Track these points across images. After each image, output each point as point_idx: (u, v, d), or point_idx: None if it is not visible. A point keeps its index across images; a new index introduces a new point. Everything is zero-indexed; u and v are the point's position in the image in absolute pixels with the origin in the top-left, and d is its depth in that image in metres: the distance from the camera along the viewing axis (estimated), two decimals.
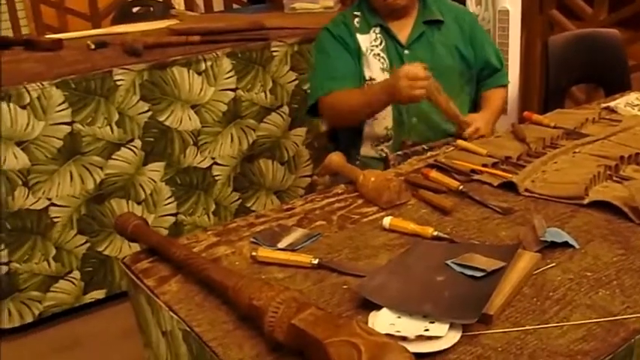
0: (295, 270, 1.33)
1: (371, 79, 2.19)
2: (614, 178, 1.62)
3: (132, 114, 2.55)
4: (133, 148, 2.58)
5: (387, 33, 2.22)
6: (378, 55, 2.20)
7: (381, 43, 2.21)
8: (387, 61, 2.20)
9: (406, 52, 2.21)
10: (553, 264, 1.29)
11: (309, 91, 2.35)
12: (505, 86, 2.43)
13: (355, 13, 2.26)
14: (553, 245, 1.33)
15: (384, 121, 2.21)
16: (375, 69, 2.20)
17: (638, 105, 2.12)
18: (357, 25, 2.23)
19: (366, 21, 2.23)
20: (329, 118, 2.34)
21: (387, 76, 2.16)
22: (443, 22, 2.25)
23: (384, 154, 2.20)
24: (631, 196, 1.46)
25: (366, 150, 2.27)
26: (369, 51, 2.20)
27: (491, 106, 2.30)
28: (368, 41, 2.21)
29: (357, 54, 2.21)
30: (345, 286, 1.27)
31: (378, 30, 2.21)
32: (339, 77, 2.18)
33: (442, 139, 2.17)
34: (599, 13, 3.45)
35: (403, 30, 2.23)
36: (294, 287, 1.23)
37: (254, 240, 1.46)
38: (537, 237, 1.33)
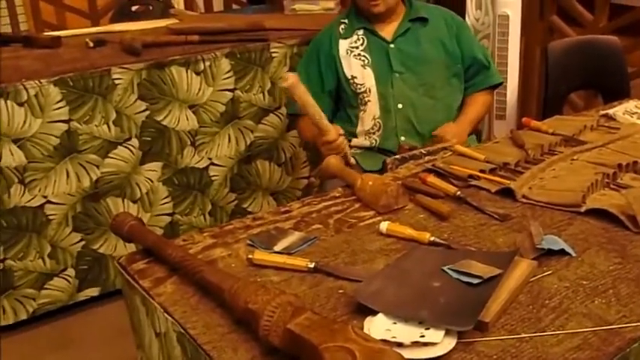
0: (291, 273, 1.33)
1: (352, 77, 2.33)
2: (612, 186, 1.61)
3: (129, 113, 2.54)
4: (130, 146, 2.57)
5: (372, 33, 2.34)
6: (359, 54, 2.32)
7: (363, 43, 2.33)
8: (369, 58, 2.31)
9: (391, 46, 2.33)
10: (549, 272, 1.28)
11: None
12: (494, 88, 2.49)
13: (342, 20, 2.39)
14: (550, 253, 1.33)
15: (371, 111, 2.33)
16: (356, 68, 2.32)
17: (636, 113, 2.12)
18: (342, 32, 2.37)
19: (351, 26, 2.36)
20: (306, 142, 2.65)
21: (368, 72, 2.31)
22: (428, 19, 2.35)
23: (376, 142, 2.33)
24: (628, 204, 1.46)
25: (359, 140, 2.37)
26: (349, 52, 2.33)
27: (468, 114, 2.38)
28: (348, 44, 2.35)
29: (333, 61, 2.34)
30: (340, 291, 1.26)
31: (361, 32, 2.34)
32: None
33: (430, 125, 2.30)
34: (599, 19, 3.45)
35: (389, 30, 2.35)
36: (289, 291, 1.23)
37: (250, 242, 1.46)
38: (534, 244, 1.33)
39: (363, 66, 2.31)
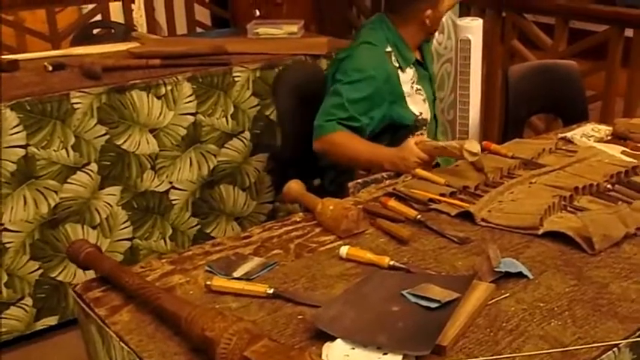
0: (250, 299, 1.32)
1: (421, 113, 2.25)
2: (569, 209, 1.64)
3: (88, 137, 2.50)
4: (89, 171, 2.54)
5: (417, 62, 2.29)
6: (418, 89, 2.27)
7: (414, 75, 2.27)
8: (423, 90, 2.28)
9: (431, 73, 2.34)
10: (507, 294, 1.29)
11: (325, 119, 2.14)
12: None
13: (388, 50, 2.21)
14: (507, 275, 1.34)
15: None
16: (419, 103, 2.26)
17: (593, 136, 2.16)
18: (397, 64, 2.22)
19: (404, 58, 2.23)
20: (325, 152, 2.16)
21: (427, 105, 2.26)
22: None
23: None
24: (584, 226, 1.48)
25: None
26: (413, 89, 2.25)
27: None
28: (409, 78, 2.24)
29: (403, 99, 2.21)
30: (300, 317, 1.25)
31: (412, 64, 2.27)
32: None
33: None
34: (558, 44, 3.52)
35: (415, 52, 2.31)
36: (248, 317, 1.21)
37: (209, 269, 1.44)
38: (492, 267, 1.34)
39: (424, 100, 2.27)
